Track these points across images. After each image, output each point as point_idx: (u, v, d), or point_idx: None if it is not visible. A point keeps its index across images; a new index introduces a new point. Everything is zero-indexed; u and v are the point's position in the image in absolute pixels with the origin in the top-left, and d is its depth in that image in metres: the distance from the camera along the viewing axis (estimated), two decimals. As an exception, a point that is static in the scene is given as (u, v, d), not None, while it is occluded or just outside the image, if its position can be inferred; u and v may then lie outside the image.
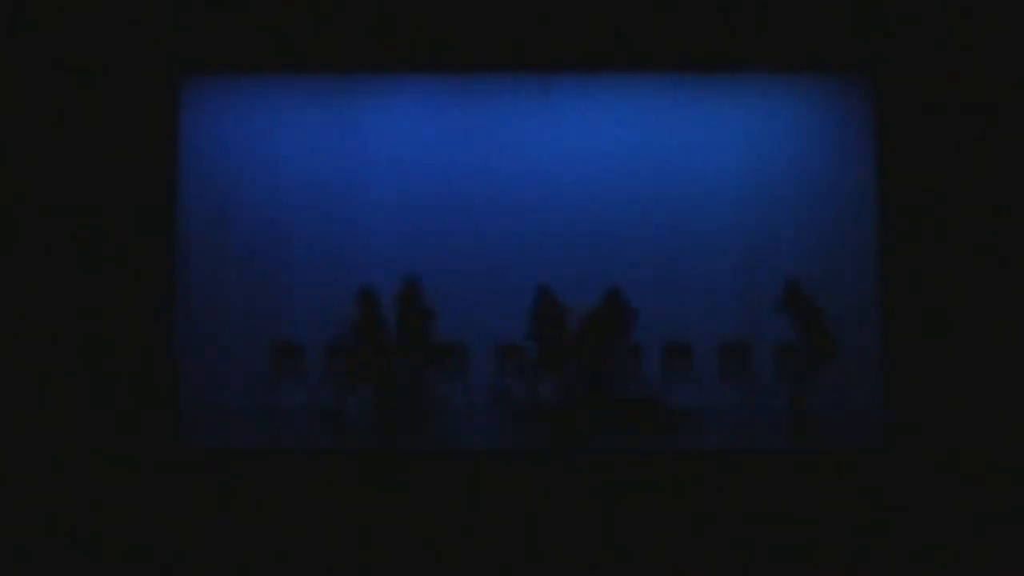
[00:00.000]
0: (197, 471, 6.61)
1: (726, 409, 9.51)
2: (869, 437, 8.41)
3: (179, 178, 9.80)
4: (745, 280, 10.23)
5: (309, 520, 6.05)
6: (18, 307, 8.75)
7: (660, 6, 8.94)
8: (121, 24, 8.94)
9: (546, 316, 9.08)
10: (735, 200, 10.32)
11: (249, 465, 6.74)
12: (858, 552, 5.77)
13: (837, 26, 9.00)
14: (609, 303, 9.04)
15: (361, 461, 6.86)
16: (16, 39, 8.79)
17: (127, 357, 8.95)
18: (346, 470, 6.67)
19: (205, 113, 10.30)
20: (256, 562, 5.70)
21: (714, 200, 10.33)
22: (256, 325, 10.16)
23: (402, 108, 10.50)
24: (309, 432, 8.34)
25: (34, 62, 8.87)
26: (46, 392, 8.53)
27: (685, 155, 10.39)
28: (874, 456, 7.32)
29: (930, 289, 9.06)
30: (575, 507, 6.19)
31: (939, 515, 6.05)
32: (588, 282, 9.52)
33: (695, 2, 8.96)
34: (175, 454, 7.31)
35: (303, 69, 9.86)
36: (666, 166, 10.39)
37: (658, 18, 8.97)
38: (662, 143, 10.42)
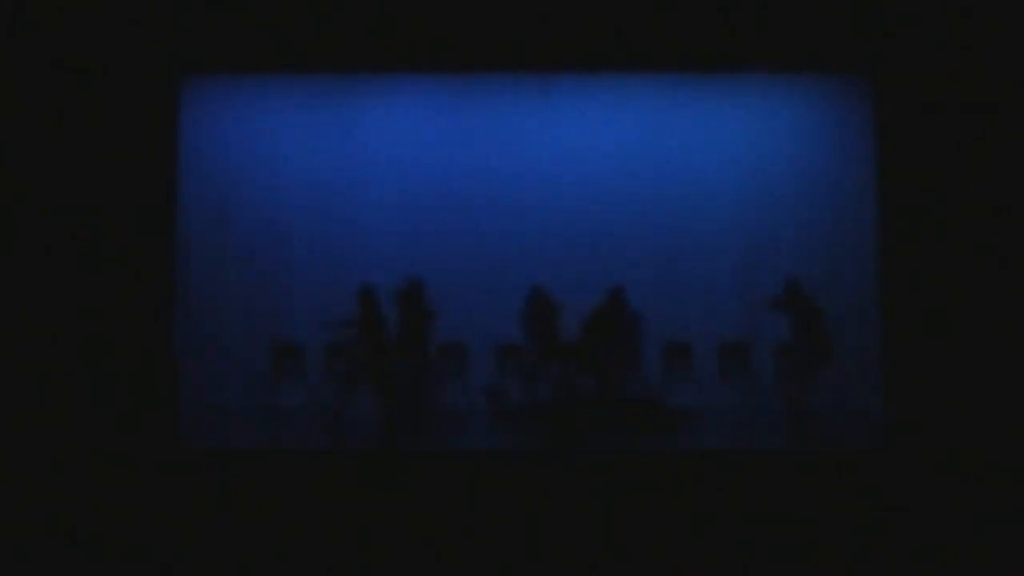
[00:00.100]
0: (197, 471, 6.61)
1: (726, 409, 9.51)
2: (869, 437, 8.40)
3: (179, 178, 9.81)
4: (745, 280, 10.23)
5: (309, 520, 6.04)
6: (18, 307, 8.74)
7: (660, 6, 8.94)
8: (121, 24, 8.94)
9: (539, 315, 9.10)
10: (735, 200, 10.33)
11: (249, 465, 6.74)
12: (858, 552, 5.76)
13: (837, 26, 9.00)
14: (612, 303, 9.06)
15: (361, 461, 6.85)
16: (16, 39, 8.78)
17: (127, 357, 8.95)
18: (346, 470, 6.67)
19: (205, 113, 10.31)
20: (256, 562, 5.70)
21: (714, 200, 10.33)
22: (256, 325, 10.16)
23: (402, 108, 10.50)
24: (309, 432, 8.35)
25: (34, 62, 8.87)
26: (46, 392, 8.53)
27: (685, 155, 10.40)
28: (874, 456, 7.31)
29: (930, 289, 9.06)
30: (575, 507, 6.18)
31: (939, 515, 6.05)
32: (588, 282, 9.54)
33: (695, 2, 8.96)
34: (175, 454, 7.31)
35: (303, 69, 9.86)
36: (666, 166, 10.39)
37: (658, 18, 8.97)
38: (662, 143, 10.42)
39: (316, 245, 10.37)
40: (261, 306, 10.25)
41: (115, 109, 9.09)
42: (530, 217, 10.32)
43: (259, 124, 10.42)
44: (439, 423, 8.70)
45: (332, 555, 5.79)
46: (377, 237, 10.30)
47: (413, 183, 10.38)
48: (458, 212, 10.34)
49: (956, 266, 8.96)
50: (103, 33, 8.94)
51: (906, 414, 8.85)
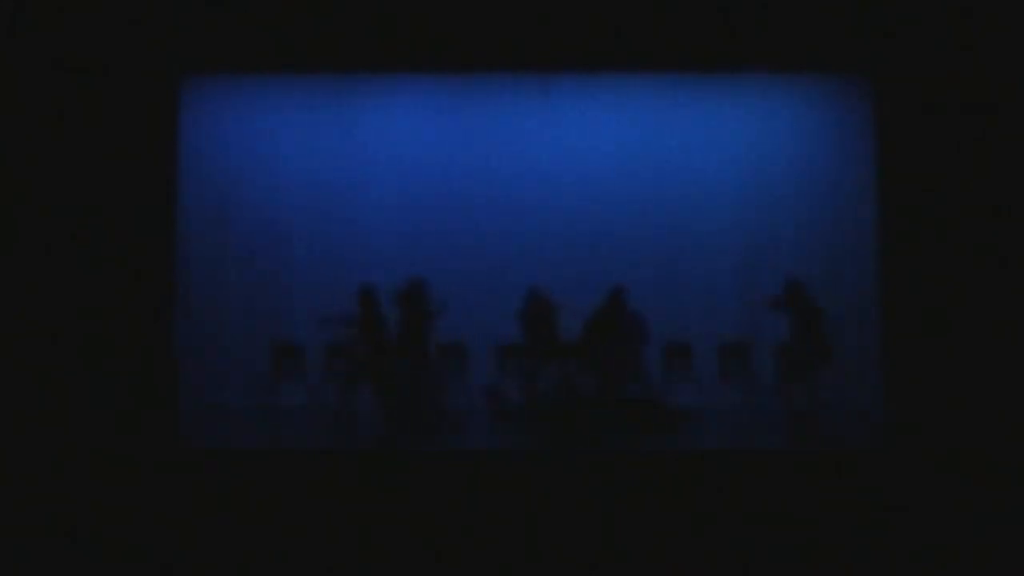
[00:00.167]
0: (197, 471, 6.61)
1: (726, 409, 9.50)
2: (869, 437, 8.41)
3: (179, 178, 9.79)
4: (745, 280, 10.23)
5: (309, 520, 6.04)
6: (18, 307, 8.74)
7: (660, 6, 8.93)
8: (121, 24, 8.93)
9: (537, 316, 9.10)
10: (735, 200, 10.32)
11: (249, 465, 6.74)
12: (858, 552, 5.77)
13: (837, 26, 9.00)
14: (613, 303, 9.06)
15: (361, 461, 6.86)
16: (16, 39, 8.78)
17: (127, 357, 8.95)
18: (346, 470, 6.67)
19: (205, 113, 10.30)
20: (256, 562, 5.70)
21: (714, 200, 10.33)
22: (256, 325, 10.17)
23: (402, 108, 10.50)
24: (309, 432, 8.35)
25: (34, 62, 8.87)
26: (46, 392, 8.53)
27: (685, 155, 10.40)
28: (874, 456, 7.31)
29: (930, 289, 9.05)
30: (575, 507, 6.18)
31: (939, 515, 6.05)
32: (588, 282, 9.54)
33: (695, 2, 8.96)
34: (175, 454, 7.31)
35: (303, 69, 9.85)
36: (666, 166, 10.39)
37: (658, 18, 8.96)
38: (662, 143, 10.42)
39: (316, 245, 10.37)
40: (261, 306, 10.25)
41: (115, 109, 9.09)
42: (530, 217, 10.32)
43: (259, 124, 10.42)
44: (439, 423, 8.70)
45: (332, 555, 5.79)
46: (377, 237, 10.30)
47: (413, 183, 10.38)
48: (458, 212, 10.34)
49: (956, 266, 8.96)
50: (103, 33, 8.93)
51: (906, 414, 8.84)
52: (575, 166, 10.37)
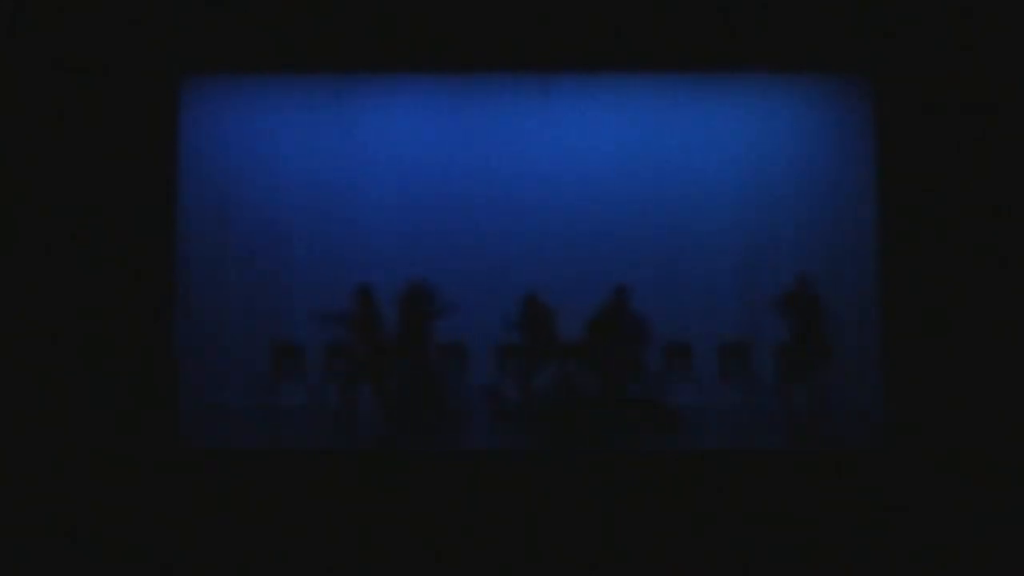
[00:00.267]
0: (197, 471, 6.61)
1: (726, 409, 9.50)
2: (869, 437, 8.41)
3: (179, 178, 9.79)
4: (745, 280, 10.23)
5: (309, 520, 6.05)
6: (18, 307, 8.74)
7: (660, 6, 8.93)
8: (121, 24, 8.93)
9: (533, 319, 9.11)
10: (735, 200, 10.33)
11: (249, 465, 6.74)
12: (858, 552, 5.77)
13: (837, 26, 9.00)
14: (615, 302, 9.06)
15: (361, 461, 6.86)
16: (16, 39, 8.78)
17: (127, 357, 8.95)
18: (346, 470, 6.67)
19: (205, 113, 10.31)
20: (256, 562, 5.70)
21: (714, 200, 10.33)
22: (256, 325, 10.17)
23: (402, 108, 10.50)
24: (309, 432, 8.35)
25: (34, 62, 8.87)
26: (46, 392, 8.53)
27: (685, 155, 10.40)
28: (874, 456, 7.32)
29: (930, 289, 9.05)
30: (575, 507, 6.19)
31: (939, 515, 6.05)
32: (588, 282, 9.55)
33: (695, 2, 8.96)
34: (175, 454, 7.31)
35: (303, 69, 9.86)
36: (666, 166, 10.40)
37: (658, 18, 8.96)
38: (662, 143, 10.43)
39: (316, 245, 10.37)
40: (261, 306, 10.25)
41: (115, 109, 9.09)
42: (530, 217, 10.32)
43: (259, 124, 10.42)
44: (439, 423, 8.70)
45: (332, 555, 5.79)
46: (377, 237, 10.31)
47: (413, 183, 10.39)
48: (458, 212, 10.35)
49: (956, 266, 8.96)
50: (103, 33, 8.93)
51: (906, 414, 8.84)
52: (575, 166, 10.38)
